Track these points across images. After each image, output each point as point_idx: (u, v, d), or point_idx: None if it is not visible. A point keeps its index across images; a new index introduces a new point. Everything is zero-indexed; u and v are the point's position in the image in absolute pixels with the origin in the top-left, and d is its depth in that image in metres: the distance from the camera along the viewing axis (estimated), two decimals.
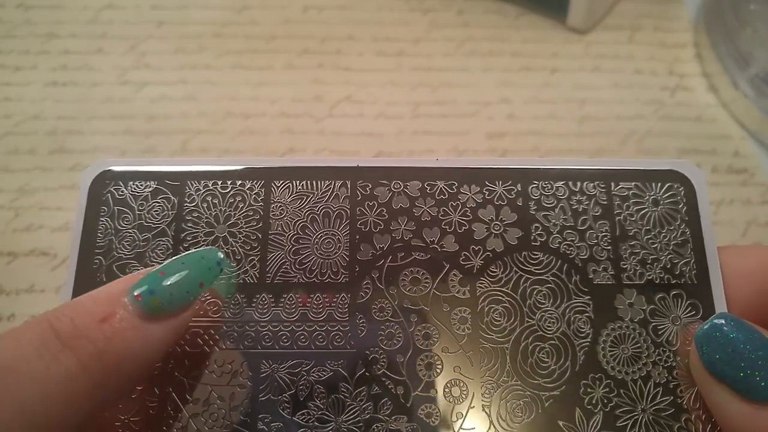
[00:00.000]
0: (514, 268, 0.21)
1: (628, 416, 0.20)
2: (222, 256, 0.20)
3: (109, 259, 0.21)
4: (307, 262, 0.21)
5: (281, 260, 0.21)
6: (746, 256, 0.21)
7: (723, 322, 0.19)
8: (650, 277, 0.21)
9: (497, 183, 0.22)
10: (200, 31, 0.42)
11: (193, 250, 0.20)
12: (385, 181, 0.22)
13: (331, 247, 0.21)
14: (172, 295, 0.18)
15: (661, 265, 0.21)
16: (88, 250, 0.21)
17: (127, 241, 0.21)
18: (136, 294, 0.18)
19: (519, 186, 0.22)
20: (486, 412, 0.20)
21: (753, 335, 0.18)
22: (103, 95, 0.39)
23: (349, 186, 0.22)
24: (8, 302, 0.33)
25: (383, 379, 0.20)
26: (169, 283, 0.18)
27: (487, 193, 0.22)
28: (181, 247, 0.21)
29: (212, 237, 0.22)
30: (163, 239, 0.22)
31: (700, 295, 0.21)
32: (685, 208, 0.22)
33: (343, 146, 0.38)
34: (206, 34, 0.42)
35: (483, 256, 0.21)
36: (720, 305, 0.21)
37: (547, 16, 0.43)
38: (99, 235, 0.21)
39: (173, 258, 0.19)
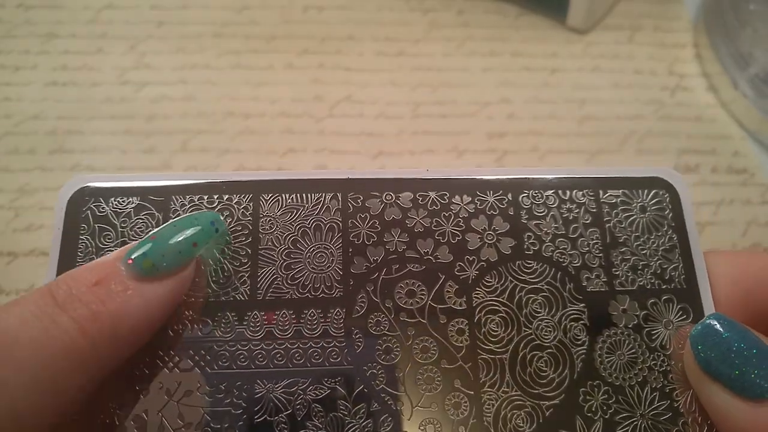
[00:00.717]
0: (509, 278, 0.21)
1: (628, 422, 0.20)
2: (218, 217, 0.20)
3: None
4: (300, 276, 0.21)
5: (273, 276, 0.21)
6: (729, 261, 0.22)
7: (717, 321, 0.19)
8: (642, 283, 0.21)
9: (488, 193, 0.22)
10: (200, 31, 0.42)
11: (187, 214, 0.20)
12: (376, 193, 0.22)
13: (324, 261, 0.21)
14: (164, 256, 0.19)
15: (652, 271, 0.21)
16: (66, 269, 0.20)
17: None
18: (129, 259, 0.18)
19: (510, 195, 0.22)
20: (488, 424, 0.20)
21: (746, 334, 0.19)
22: (103, 95, 0.39)
23: (339, 198, 0.22)
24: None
25: (382, 394, 0.20)
26: (160, 244, 0.19)
27: (478, 203, 0.22)
28: None
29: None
30: None
31: (690, 298, 0.21)
32: (671, 214, 0.22)
33: (343, 146, 0.38)
34: (206, 34, 0.42)
35: (478, 266, 0.21)
36: (708, 308, 0.21)
37: (547, 16, 0.43)
38: (79, 254, 0.21)
39: (166, 223, 0.20)
